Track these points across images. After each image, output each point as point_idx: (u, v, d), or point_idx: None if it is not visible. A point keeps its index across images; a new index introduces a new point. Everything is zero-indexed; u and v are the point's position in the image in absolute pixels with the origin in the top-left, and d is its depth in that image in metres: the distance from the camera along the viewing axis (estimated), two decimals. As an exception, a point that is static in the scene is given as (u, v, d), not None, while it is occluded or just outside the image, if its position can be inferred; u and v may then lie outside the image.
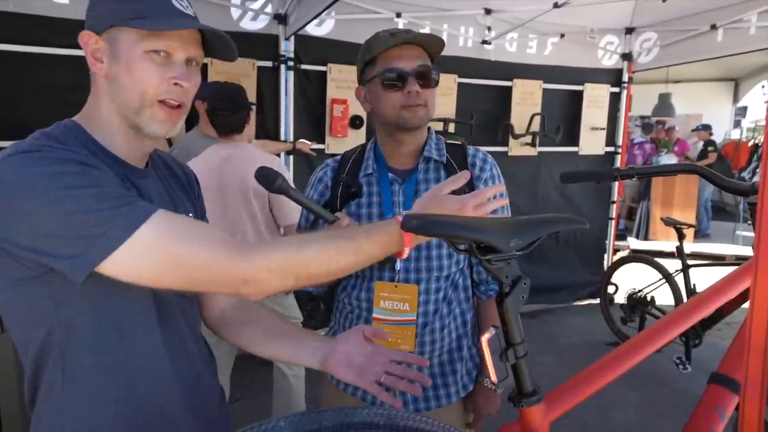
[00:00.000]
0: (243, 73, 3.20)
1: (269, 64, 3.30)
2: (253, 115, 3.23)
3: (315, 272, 0.75)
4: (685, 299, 3.43)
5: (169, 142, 2.99)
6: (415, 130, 1.22)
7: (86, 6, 0.83)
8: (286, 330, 1.00)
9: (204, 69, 3.08)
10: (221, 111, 2.19)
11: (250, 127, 2.31)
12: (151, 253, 0.70)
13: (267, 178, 1.03)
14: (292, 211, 2.14)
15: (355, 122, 3.57)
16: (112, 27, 0.78)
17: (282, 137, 3.41)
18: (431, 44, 1.17)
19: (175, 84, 0.80)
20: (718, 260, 5.90)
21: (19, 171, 0.69)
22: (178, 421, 0.88)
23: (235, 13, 3.17)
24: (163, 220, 0.72)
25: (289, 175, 2.23)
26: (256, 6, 3.20)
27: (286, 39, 3.28)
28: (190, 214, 0.96)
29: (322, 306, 3.49)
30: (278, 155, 3.38)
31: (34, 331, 0.79)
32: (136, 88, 0.79)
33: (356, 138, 3.57)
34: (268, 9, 3.24)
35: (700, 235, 7.49)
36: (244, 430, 0.62)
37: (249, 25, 3.23)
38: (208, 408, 0.96)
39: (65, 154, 0.72)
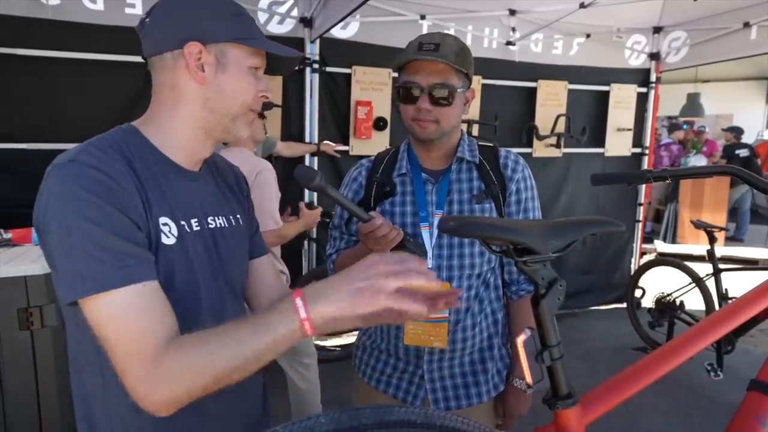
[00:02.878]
0: (268, 75, 3.24)
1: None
2: (277, 117, 3.30)
3: (221, 373, 0.70)
4: (716, 304, 3.35)
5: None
6: (432, 141, 1.22)
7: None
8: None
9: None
10: None
11: (253, 129, 2.28)
12: (97, 319, 0.73)
13: (305, 176, 1.04)
14: (267, 218, 2.12)
15: (379, 124, 3.59)
16: (222, 42, 0.84)
17: (307, 139, 3.45)
18: (459, 63, 1.15)
19: (263, 96, 0.90)
20: (750, 264, 5.74)
21: (59, 185, 0.74)
22: (220, 419, 0.90)
23: (262, 16, 3.23)
24: (128, 297, 0.72)
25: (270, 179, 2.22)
26: (282, 10, 3.25)
27: (312, 42, 3.32)
28: (238, 216, 1.01)
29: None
30: (303, 157, 3.43)
31: (79, 333, 0.82)
32: (239, 98, 0.87)
33: (380, 139, 3.59)
34: (294, 13, 3.29)
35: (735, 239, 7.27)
36: (286, 426, 0.63)
37: (275, 28, 3.28)
38: (251, 405, 0.98)
39: (99, 174, 0.75)
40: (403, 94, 1.19)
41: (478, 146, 1.30)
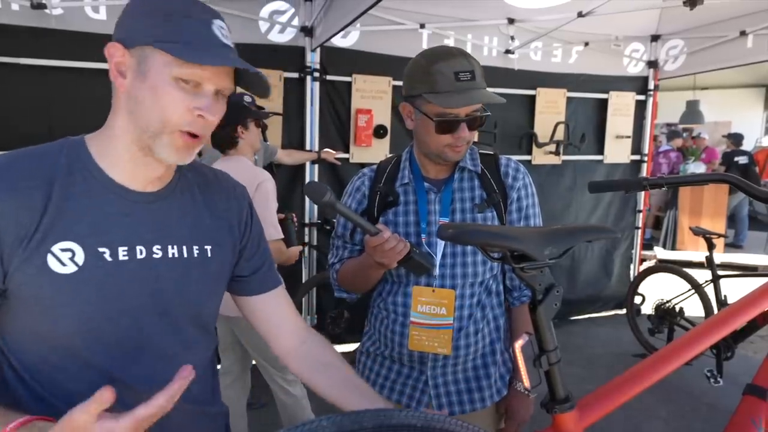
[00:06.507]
0: (270, 83, 3.27)
1: (295, 75, 3.38)
2: (278, 125, 3.32)
3: None
4: (715, 310, 3.36)
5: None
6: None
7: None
8: (357, 386, 0.95)
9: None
10: None
11: (250, 139, 2.25)
12: None
13: (315, 191, 1.03)
14: (268, 227, 2.08)
15: (379, 132, 3.61)
16: (145, 45, 0.74)
17: (307, 147, 3.47)
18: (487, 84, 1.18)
19: (199, 116, 0.76)
20: (749, 271, 5.75)
21: None
22: None
23: (263, 26, 3.26)
24: None
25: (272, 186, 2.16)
26: (283, 19, 3.29)
27: (312, 51, 3.36)
28: (208, 247, 0.88)
29: (346, 314, 3.53)
30: (303, 164, 3.45)
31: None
32: (158, 114, 0.75)
33: (380, 147, 3.62)
34: (295, 22, 3.33)
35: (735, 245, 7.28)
36: (287, 429, 0.64)
37: (276, 37, 3.31)
38: None
39: None
40: (440, 126, 1.15)
41: (480, 154, 1.31)
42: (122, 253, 0.79)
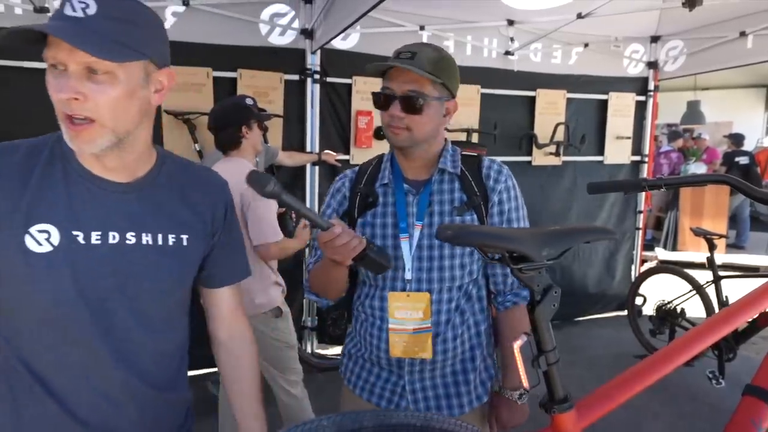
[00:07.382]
0: (270, 86, 3.29)
1: (296, 77, 3.39)
2: (279, 127, 3.33)
3: None
4: (717, 311, 3.35)
5: (200, 155, 3.09)
6: (407, 149, 1.22)
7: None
8: (248, 414, 1.06)
9: (233, 83, 3.20)
10: (210, 130, 2.24)
11: (253, 140, 2.24)
12: None
13: (257, 181, 0.98)
14: (267, 229, 2.09)
15: (380, 133, 3.62)
16: None
17: (308, 148, 3.48)
18: (434, 73, 1.14)
19: (64, 98, 0.76)
20: (751, 271, 5.74)
21: None
22: None
23: (264, 28, 3.27)
24: None
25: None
26: (283, 22, 3.30)
27: (313, 53, 3.37)
28: (184, 236, 0.92)
29: (347, 314, 3.49)
30: (304, 166, 3.46)
31: None
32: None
33: (381, 149, 3.60)
34: (295, 24, 3.34)
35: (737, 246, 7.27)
36: (288, 429, 0.65)
37: (277, 40, 3.32)
38: None
39: None
40: (378, 100, 1.19)
41: (463, 156, 1.28)
42: (95, 237, 0.84)
